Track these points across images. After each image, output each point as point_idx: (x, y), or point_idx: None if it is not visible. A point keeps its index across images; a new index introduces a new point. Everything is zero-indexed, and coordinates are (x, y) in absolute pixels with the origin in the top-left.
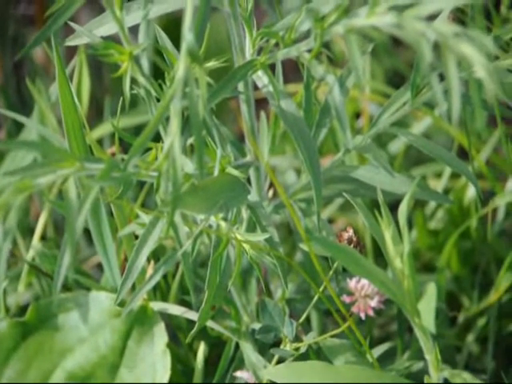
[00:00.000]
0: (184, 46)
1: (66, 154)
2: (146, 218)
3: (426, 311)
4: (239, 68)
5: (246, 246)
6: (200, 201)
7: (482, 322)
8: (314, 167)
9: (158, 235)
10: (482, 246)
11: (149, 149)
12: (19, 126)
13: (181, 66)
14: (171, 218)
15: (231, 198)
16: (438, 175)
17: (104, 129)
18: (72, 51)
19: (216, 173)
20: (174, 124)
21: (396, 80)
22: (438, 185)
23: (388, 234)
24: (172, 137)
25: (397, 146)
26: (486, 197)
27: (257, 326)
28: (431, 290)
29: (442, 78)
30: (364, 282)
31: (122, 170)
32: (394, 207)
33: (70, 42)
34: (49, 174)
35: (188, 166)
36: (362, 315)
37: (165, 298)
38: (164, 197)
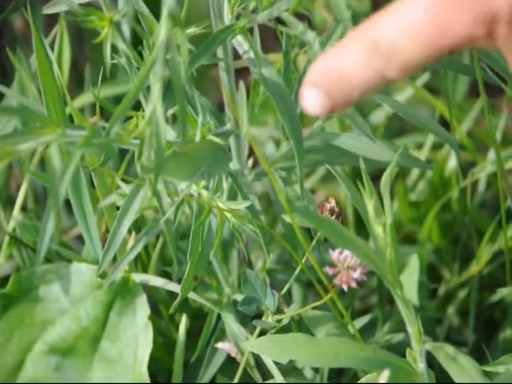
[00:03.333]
0: (165, 10)
1: (47, 120)
2: (126, 188)
3: (409, 283)
4: (218, 33)
5: (228, 215)
6: (182, 167)
7: (462, 294)
8: (295, 133)
9: (139, 205)
10: (463, 217)
11: (130, 118)
12: None
13: (162, 30)
14: (155, 184)
15: (213, 163)
16: (419, 146)
17: (85, 98)
18: (54, 19)
19: (198, 137)
20: (156, 89)
21: None
22: (420, 156)
23: (370, 205)
24: (154, 101)
25: (378, 116)
26: (467, 168)
27: (238, 297)
28: (414, 262)
29: None
30: (347, 253)
31: (104, 137)
32: (374, 177)
33: (48, 9)
34: (30, 140)
35: (169, 134)
36: (345, 287)
37: (146, 270)
38: (147, 163)
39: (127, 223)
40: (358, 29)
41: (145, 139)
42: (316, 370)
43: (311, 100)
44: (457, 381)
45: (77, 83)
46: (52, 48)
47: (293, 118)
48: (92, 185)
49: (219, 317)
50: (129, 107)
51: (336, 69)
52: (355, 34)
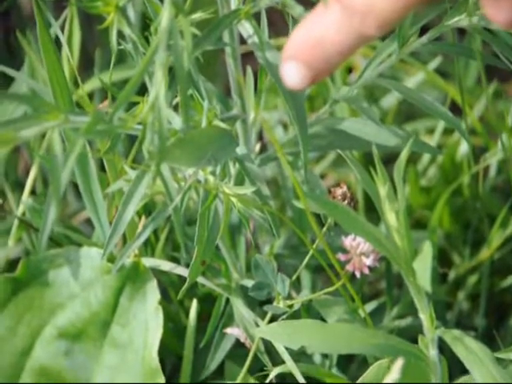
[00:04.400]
0: None
1: (51, 106)
2: (132, 173)
3: (422, 271)
4: (223, 17)
5: (234, 200)
6: (187, 153)
7: (473, 279)
8: (300, 118)
9: (144, 190)
10: (474, 202)
11: (138, 103)
12: (8, 80)
13: (164, 16)
14: (157, 170)
15: (219, 149)
16: (431, 131)
17: (95, 82)
18: (64, 1)
19: (203, 123)
20: (159, 75)
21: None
22: (431, 141)
23: (383, 192)
24: (157, 87)
25: (389, 101)
26: (478, 153)
27: (247, 282)
28: (427, 249)
29: (427, 29)
30: (359, 239)
31: (108, 123)
32: (383, 161)
33: None
34: (33, 126)
35: (175, 121)
36: (357, 273)
37: (158, 255)
38: (149, 149)
39: (132, 208)
40: None
41: (147, 125)
42: (325, 355)
43: (292, 74)
44: (471, 369)
45: (86, 66)
46: (62, 31)
47: (297, 103)
48: (103, 169)
49: (227, 302)
50: (132, 93)
51: (313, 36)
52: None
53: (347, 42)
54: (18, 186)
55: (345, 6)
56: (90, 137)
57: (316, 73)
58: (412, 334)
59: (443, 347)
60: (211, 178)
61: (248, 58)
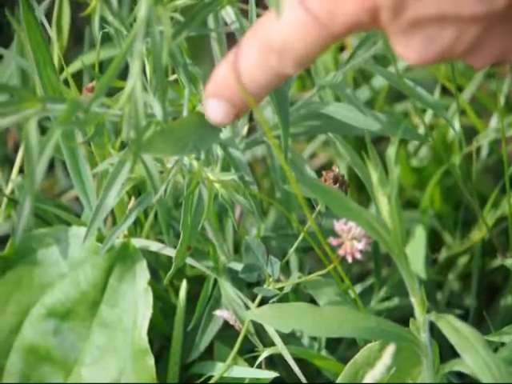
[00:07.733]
0: None
1: (28, 94)
2: (117, 157)
3: (414, 255)
4: (205, 4)
5: (217, 186)
6: (169, 143)
7: (464, 259)
8: (281, 105)
9: (126, 175)
10: (466, 182)
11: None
12: None
13: (142, 6)
14: (135, 161)
15: (201, 138)
16: (422, 111)
17: (84, 60)
18: None
19: (185, 111)
20: (136, 66)
21: None
22: (422, 121)
23: (375, 176)
24: (134, 78)
25: (380, 80)
26: (470, 133)
27: (234, 264)
28: (420, 233)
29: None
30: (351, 224)
31: (85, 111)
32: (372, 141)
33: None
34: (10, 115)
35: (157, 109)
36: (349, 258)
37: (146, 236)
38: (126, 140)
39: (114, 193)
40: (252, 29)
41: (125, 115)
42: (314, 337)
43: (215, 111)
44: (462, 354)
45: (77, 40)
46: (52, 7)
47: (280, 94)
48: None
49: (215, 284)
50: (113, 79)
51: (233, 74)
52: (249, 35)
53: (266, 79)
54: (7, 164)
55: (263, 44)
56: (67, 127)
57: (238, 108)
58: (401, 315)
59: (433, 327)
60: (195, 164)
61: (235, 38)
